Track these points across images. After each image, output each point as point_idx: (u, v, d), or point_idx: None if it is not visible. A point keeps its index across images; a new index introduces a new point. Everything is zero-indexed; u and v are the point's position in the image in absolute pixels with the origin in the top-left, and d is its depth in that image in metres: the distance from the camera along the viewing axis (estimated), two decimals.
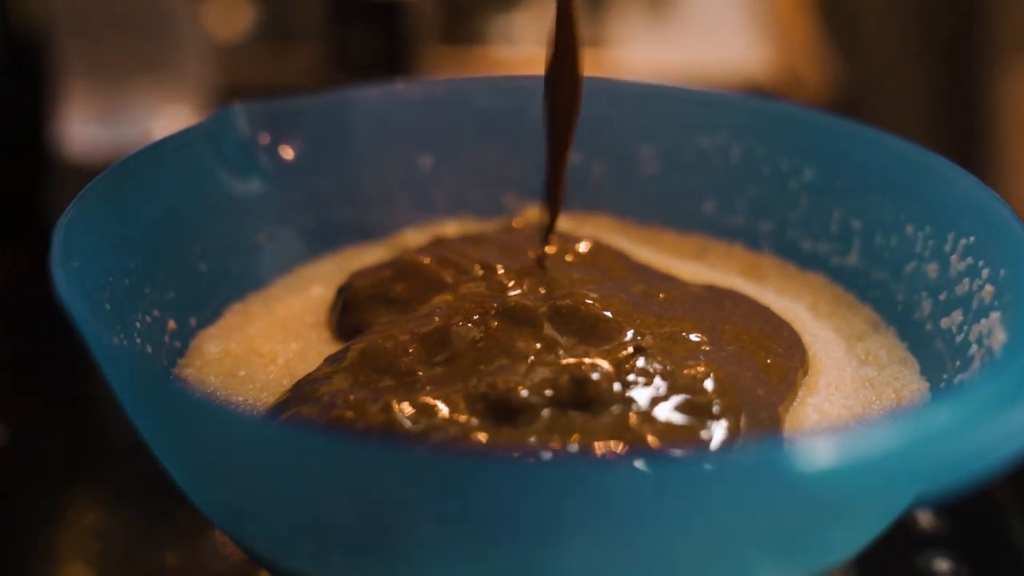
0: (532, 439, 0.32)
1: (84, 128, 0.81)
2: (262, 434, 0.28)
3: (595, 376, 0.34)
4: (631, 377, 0.34)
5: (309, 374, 0.37)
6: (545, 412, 0.33)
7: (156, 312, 0.39)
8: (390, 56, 0.91)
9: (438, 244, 0.45)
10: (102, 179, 0.38)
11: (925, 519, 0.46)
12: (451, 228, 0.49)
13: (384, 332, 0.38)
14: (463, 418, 0.32)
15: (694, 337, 0.37)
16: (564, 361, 0.35)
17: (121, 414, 0.53)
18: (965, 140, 0.87)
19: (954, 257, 0.39)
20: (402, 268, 0.42)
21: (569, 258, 0.43)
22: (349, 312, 0.41)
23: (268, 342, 0.41)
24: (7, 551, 0.45)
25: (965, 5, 0.85)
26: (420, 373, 0.36)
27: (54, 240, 0.33)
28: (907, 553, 0.44)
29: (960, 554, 0.44)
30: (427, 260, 0.42)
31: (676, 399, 0.33)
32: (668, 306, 0.39)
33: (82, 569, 0.45)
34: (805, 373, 0.38)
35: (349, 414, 0.32)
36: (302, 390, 0.35)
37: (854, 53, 0.94)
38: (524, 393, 0.33)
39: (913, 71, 0.89)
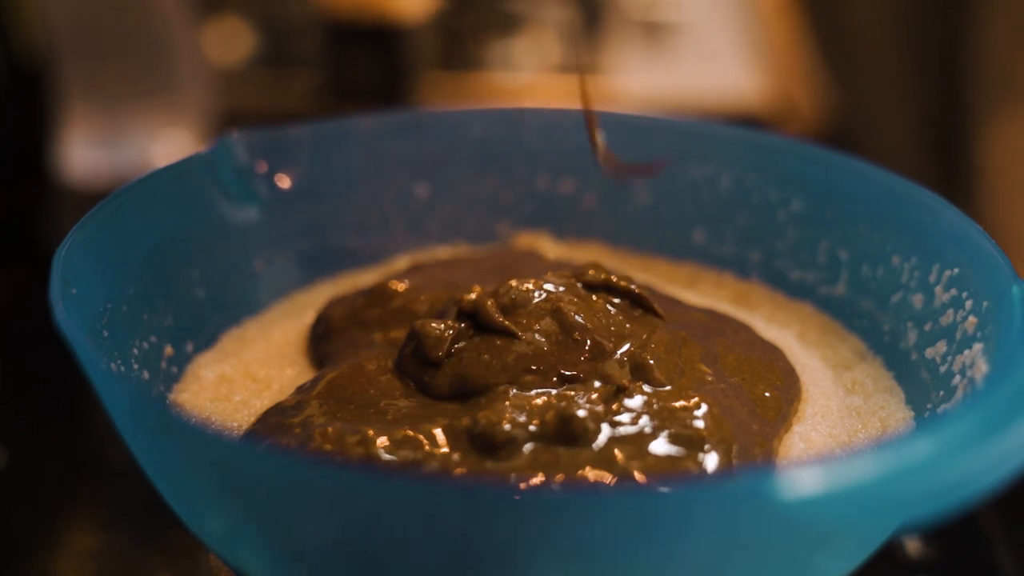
0: (514, 474, 0.32)
1: (84, 152, 0.81)
2: (256, 462, 0.28)
3: (581, 413, 0.33)
4: (619, 414, 0.34)
5: (278, 403, 0.37)
6: (528, 447, 0.33)
7: (153, 338, 0.40)
8: (389, 82, 0.92)
9: (415, 270, 0.46)
10: (102, 206, 0.39)
11: (912, 546, 0.46)
12: (444, 254, 0.49)
13: (355, 361, 0.38)
14: (444, 451, 0.32)
15: (690, 365, 0.37)
16: (549, 397, 0.34)
17: (117, 437, 0.54)
18: (954, 170, 0.88)
19: (939, 288, 0.39)
20: (377, 296, 0.42)
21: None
22: (325, 340, 0.42)
23: (264, 368, 0.41)
24: (3, 574, 0.45)
25: (956, 37, 0.86)
26: (388, 403, 0.36)
27: (53, 267, 0.34)
28: None
29: None
30: (400, 287, 0.42)
31: (666, 435, 0.33)
32: (666, 328, 0.39)
33: None
34: (798, 405, 0.38)
35: (328, 447, 0.32)
36: (270, 420, 0.36)
37: (848, 81, 0.94)
38: (507, 427, 0.33)
39: (906, 100, 0.90)
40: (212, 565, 0.46)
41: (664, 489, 0.28)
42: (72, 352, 0.31)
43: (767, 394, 0.37)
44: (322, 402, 0.36)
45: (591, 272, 0.39)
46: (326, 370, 0.39)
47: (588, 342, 0.37)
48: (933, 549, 0.46)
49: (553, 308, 0.37)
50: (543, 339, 0.36)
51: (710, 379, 0.36)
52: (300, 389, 0.38)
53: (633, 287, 0.40)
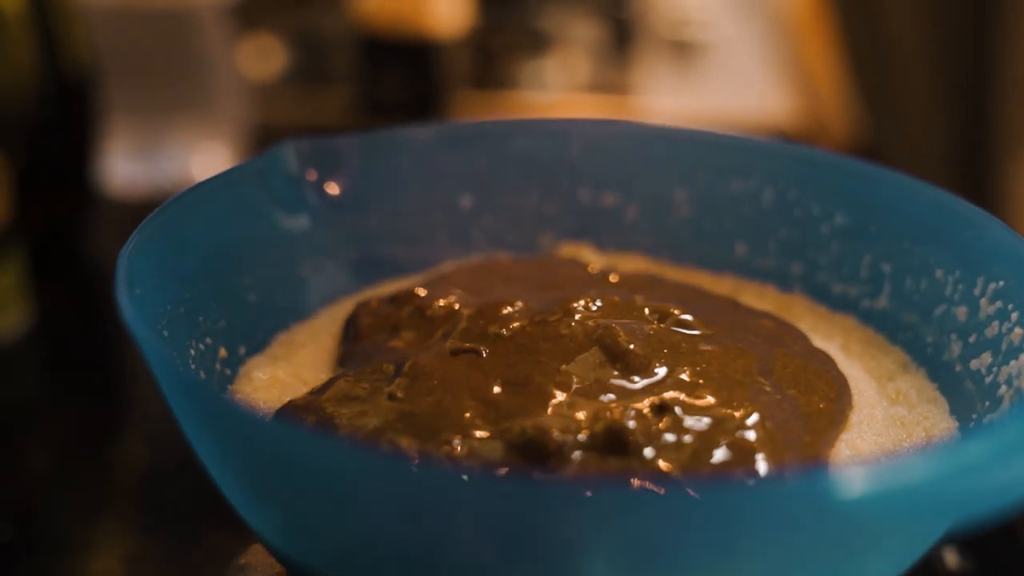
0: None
1: (124, 164, 0.82)
2: (319, 451, 0.29)
3: (631, 424, 0.33)
4: (669, 426, 0.34)
5: (291, 400, 0.38)
6: (576, 455, 0.33)
7: (208, 340, 0.41)
8: (421, 99, 0.93)
9: (441, 279, 0.46)
10: (160, 212, 0.39)
11: (951, 558, 0.46)
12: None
13: (373, 366, 0.39)
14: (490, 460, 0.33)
15: (745, 375, 0.37)
16: (599, 407, 0.35)
17: (156, 442, 0.55)
18: (982, 189, 0.88)
19: (983, 300, 0.40)
20: (403, 300, 0.43)
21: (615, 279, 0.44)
22: (352, 343, 0.42)
23: (313, 371, 0.42)
24: (45, 575, 0.46)
25: (986, 56, 0.86)
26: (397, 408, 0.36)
27: (118, 268, 0.35)
28: None
29: None
30: (424, 292, 0.43)
31: (716, 446, 0.34)
32: (727, 335, 0.40)
33: None
34: (849, 414, 0.38)
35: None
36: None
37: (878, 99, 0.95)
38: (557, 435, 0.33)
39: (935, 119, 0.91)
40: (248, 565, 0.46)
41: (721, 485, 0.28)
42: (140, 349, 0.32)
43: (821, 405, 0.37)
44: (333, 404, 0.36)
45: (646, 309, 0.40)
46: (344, 372, 0.39)
47: (638, 357, 0.37)
48: (971, 561, 0.46)
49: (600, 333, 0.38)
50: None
51: (767, 390, 0.37)
52: (315, 391, 0.38)
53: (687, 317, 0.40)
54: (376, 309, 0.43)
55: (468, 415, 0.35)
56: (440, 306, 0.42)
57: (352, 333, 0.43)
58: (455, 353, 0.38)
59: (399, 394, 0.36)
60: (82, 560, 0.47)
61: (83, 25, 0.71)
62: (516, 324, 0.39)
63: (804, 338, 0.42)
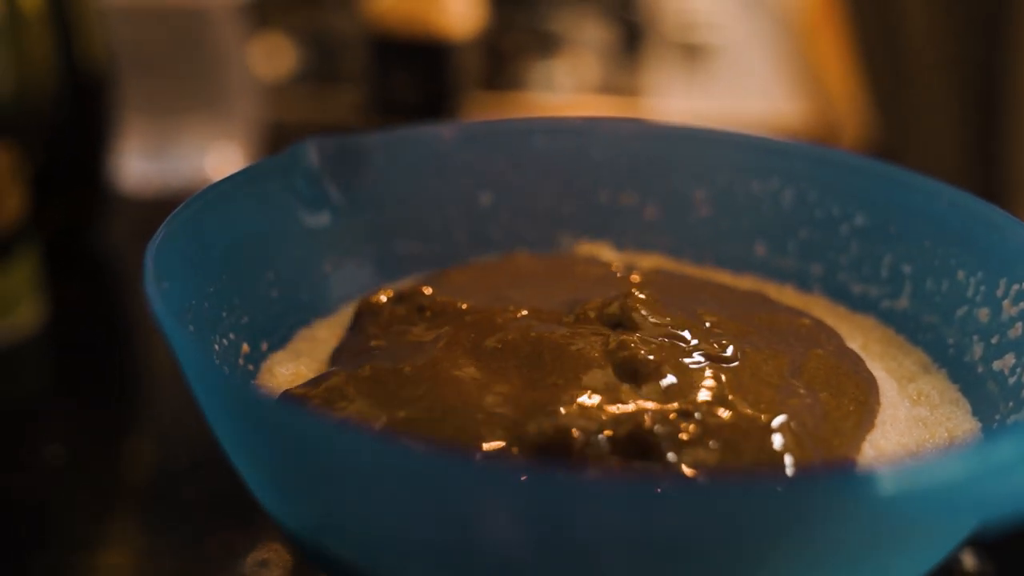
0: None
1: (137, 163, 0.83)
2: (345, 441, 0.29)
3: (657, 429, 0.33)
4: (695, 431, 0.34)
5: (288, 389, 0.38)
6: (599, 456, 0.33)
7: (232, 335, 0.41)
8: (432, 100, 0.93)
9: (451, 276, 0.46)
10: (186, 207, 0.40)
11: (969, 561, 0.46)
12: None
13: (377, 360, 0.39)
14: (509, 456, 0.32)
15: (775, 377, 0.37)
16: (623, 409, 0.34)
17: (169, 438, 0.55)
18: (995, 191, 0.88)
19: (1006, 302, 0.40)
20: (410, 297, 0.43)
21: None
22: (353, 337, 0.42)
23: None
24: (58, 569, 0.46)
25: (1000, 59, 0.87)
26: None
27: (147, 260, 0.35)
28: None
29: None
30: (429, 290, 0.43)
31: (743, 451, 0.34)
32: (759, 335, 0.40)
33: None
34: (877, 415, 0.38)
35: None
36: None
37: (891, 105, 0.95)
38: (578, 435, 0.33)
39: (948, 121, 0.91)
40: (261, 560, 0.46)
41: (746, 484, 0.28)
42: (169, 342, 0.32)
43: (851, 408, 0.37)
44: (334, 395, 0.36)
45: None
46: (344, 367, 0.39)
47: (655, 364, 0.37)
48: (990, 565, 0.46)
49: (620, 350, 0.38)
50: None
51: (801, 392, 0.37)
52: (312, 382, 0.38)
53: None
54: (380, 305, 0.43)
55: (478, 416, 0.34)
56: (446, 305, 0.42)
57: (355, 327, 0.43)
58: (454, 350, 0.38)
59: (399, 392, 0.36)
60: (95, 555, 0.47)
61: (100, 24, 0.71)
62: (528, 326, 0.39)
63: (838, 337, 0.42)
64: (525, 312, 0.40)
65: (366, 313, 0.43)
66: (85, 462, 0.53)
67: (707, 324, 0.40)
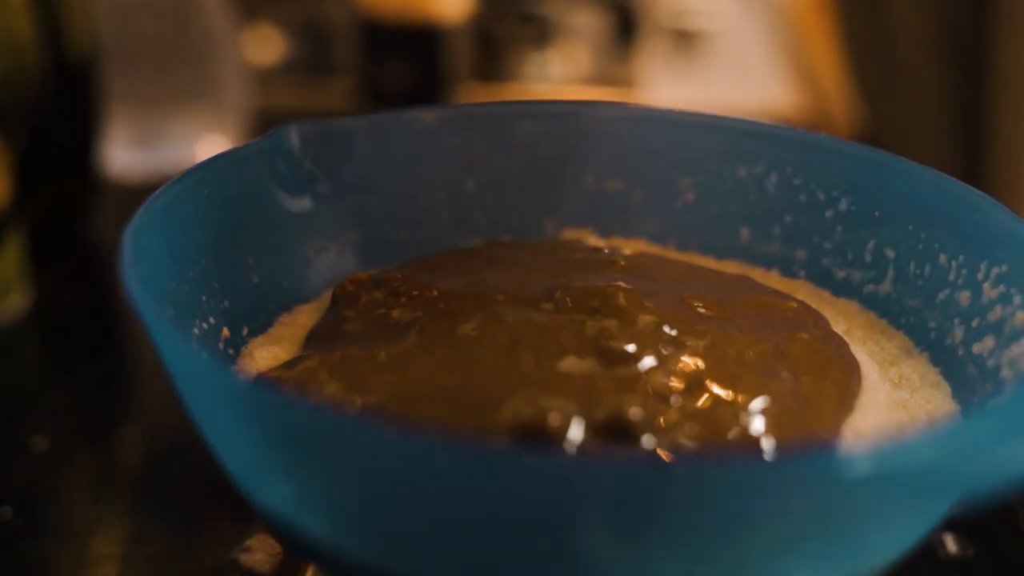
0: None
1: (125, 152, 0.83)
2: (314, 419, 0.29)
3: (634, 413, 0.33)
4: (673, 413, 0.34)
5: (262, 372, 0.38)
6: (576, 441, 0.33)
7: (212, 319, 0.41)
8: (424, 90, 0.93)
9: (420, 260, 0.46)
10: (165, 190, 0.39)
11: (951, 545, 0.46)
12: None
13: (351, 345, 0.38)
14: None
15: (758, 361, 0.37)
16: (600, 392, 0.34)
17: (158, 425, 0.55)
18: (984, 181, 0.88)
19: (986, 285, 0.40)
20: (384, 281, 0.43)
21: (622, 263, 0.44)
22: (329, 320, 0.42)
23: None
24: (46, 557, 0.46)
25: (988, 46, 0.86)
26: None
27: (124, 243, 0.35)
28: None
29: None
30: (404, 275, 0.43)
31: (721, 433, 0.34)
32: (743, 318, 0.40)
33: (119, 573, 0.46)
34: (857, 398, 0.38)
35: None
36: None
37: (879, 93, 0.95)
38: (555, 420, 0.33)
39: (937, 112, 0.91)
40: (254, 547, 0.46)
41: (721, 463, 0.28)
42: (145, 326, 0.32)
43: (832, 391, 0.37)
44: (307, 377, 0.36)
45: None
46: (317, 350, 0.39)
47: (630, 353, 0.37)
48: (971, 549, 0.46)
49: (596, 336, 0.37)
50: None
51: (783, 376, 0.37)
52: (287, 364, 0.38)
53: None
54: (355, 289, 0.43)
55: (451, 403, 0.34)
56: (421, 290, 0.42)
57: (331, 311, 0.43)
58: (428, 336, 0.38)
59: (372, 377, 0.36)
60: (83, 542, 0.47)
61: (85, 10, 0.71)
62: (504, 312, 0.39)
63: (824, 320, 0.42)
64: (501, 298, 0.40)
65: (341, 297, 0.43)
66: (73, 449, 0.53)
67: (691, 308, 0.40)
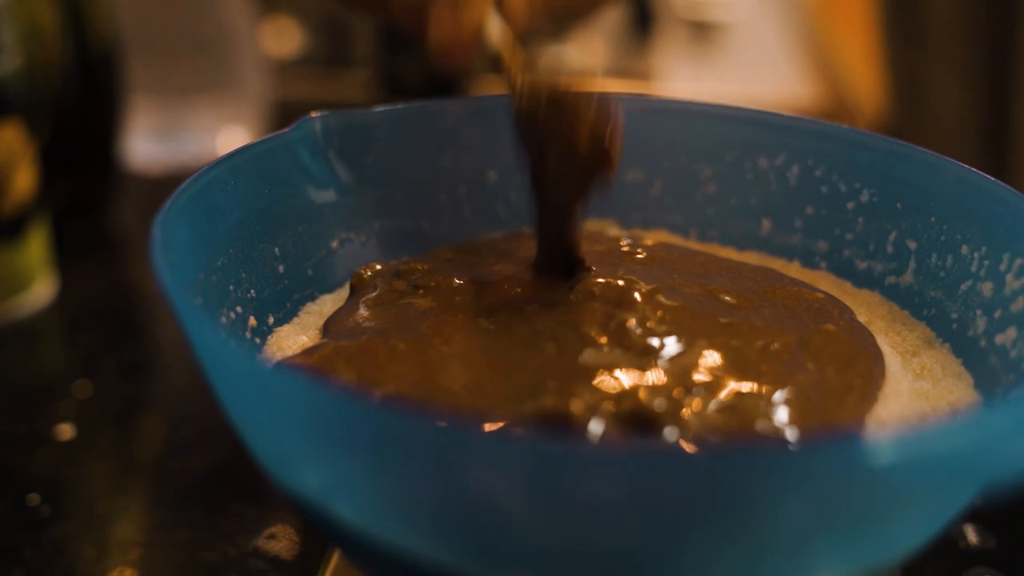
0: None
1: (146, 144, 0.83)
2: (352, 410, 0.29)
3: (658, 405, 0.33)
4: (697, 405, 0.34)
5: (284, 358, 0.38)
6: (601, 432, 0.33)
7: (239, 308, 0.41)
8: (440, 81, 0.93)
9: (440, 251, 0.47)
10: (193, 181, 0.40)
11: (972, 535, 0.46)
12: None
13: (369, 334, 0.39)
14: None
15: (784, 352, 0.37)
16: (624, 384, 0.34)
17: (180, 413, 0.55)
18: (1011, 172, 0.88)
19: (1009, 276, 0.40)
20: (403, 272, 0.43)
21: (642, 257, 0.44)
22: (348, 307, 0.43)
23: None
24: (71, 544, 0.47)
25: (1009, 35, 0.86)
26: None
27: (154, 233, 0.35)
28: (954, 569, 0.45)
29: (1005, 570, 0.45)
30: (423, 266, 0.43)
31: (746, 426, 0.34)
32: (770, 310, 0.40)
33: (141, 561, 0.47)
34: (881, 389, 0.39)
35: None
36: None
37: (908, 80, 0.94)
38: (579, 412, 0.33)
39: (965, 103, 0.90)
40: (276, 535, 0.47)
41: (746, 452, 0.29)
42: (176, 314, 0.32)
43: (856, 382, 0.37)
44: (326, 364, 0.36)
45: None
46: (334, 338, 0.39)
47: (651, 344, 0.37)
48: (992, 539, 0.46)
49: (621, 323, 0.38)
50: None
51: (809, 367, 0.37)
52: (307, 351, 0.39)
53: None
54: (373, 279, 0.43)
55: (467, 393, 0.35)
56: (440, 280, 0.42)
57: (349, 300, 0.43)
58: (445, 327, 0.38)
59: (388, 366, 0.36)
60: (107, 529, 0.48)
61: (108, 3, 0.72)
62: (524, 304, 0.39)
63: (849, 311, 0.42)
64: (519, 290, 0.40)
65: (359, 286, 0.43)
66: (97, 437, 0.54)
67: (717, 299, 0.40)
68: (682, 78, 1.08)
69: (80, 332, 0.64)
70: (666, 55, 1.13)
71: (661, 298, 0.40)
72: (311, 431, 0.30)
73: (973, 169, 0.42)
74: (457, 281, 0.42)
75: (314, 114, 0.46)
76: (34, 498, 0.48)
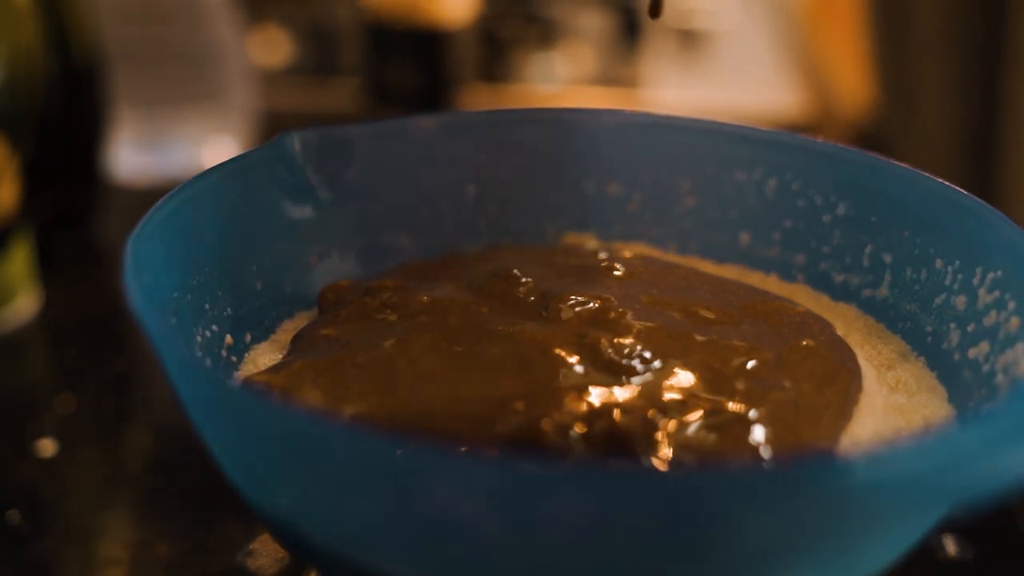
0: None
1: (131, 155, 0.83)
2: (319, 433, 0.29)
3: (632, 426, 0.33)
4: (674, 427, 0.34)
5: (250, 375, 0.38)
6: (573, 452, 0.33)
7: (215, 327, 0.41)
8: (429, 89, 0.94)
9: (413, 266, 0.47)
10: (168, 199, 0.40)
11: (951, 547, 0.47)
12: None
13: (338, 350, 0.39)
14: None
15: (761, 370, 0.37)
16: (596, 405, 0.34)
17: (164, 428, 0.55)
18: (997, 181, 0.88)
19: (982, 290, 0.40)
20: (373, 289, 0.43)
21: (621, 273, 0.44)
22: (317, 324, 0.42)
23: None
24: (51, 561, 0.47)
25: (1005, 42, 0.86)
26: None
27: (127, 254, 0.35)
28: None
29: None
30: (393, 283, 0.43)
31: (719, 444, 0.34)
32: (749, 326, 0.40)
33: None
34: (857, 406, 0.39)
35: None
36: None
37: (896, 88, 0.95)
38: (551, 432, 0.33)
39: (952, 110, 0.91)
40: (257, 551, 0.47)
41: (716, 472, 0.29)
42: (147, 336, 0.32)
43: (833, 398, 0.37)
44: (294, 380, 0.36)
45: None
46: (302, 353, 0.39)
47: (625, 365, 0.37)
48: (970, 550, 0.46)
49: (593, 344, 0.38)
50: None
51: (784, 384, 0.37)
52: (272, 369, 0.38)
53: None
54: (341, 295, 0.43)
55: (437, 413, 0.34)
56: (408, 298, 0.42)
57: (319, 316, 0.43)
58: (413, 345, 0.38)
59: (353, 386, 0.36)
60: (90, 546, 0.48)
61: (91, 13, 0.72)
62: (493, 322, 0.39)
63: (830, 326, 0.42)
64: (486, 310, 0.40)
65: (328, 302, 0.43)
66: (80, 452, 0.54)
67: (695, 315, 0.40)
68: (670, 86, 1.08)
69: (64, 345, 0.64)
70: (654, 63, 1.13)
71: (636, 316, 0.40)
72: (276, 452, 0.30)
73: (946, 183, 0.43)
74: (426, 298, 0.42)
75: (291, 131, 0.46)
76: (14, 515, 0.48)
